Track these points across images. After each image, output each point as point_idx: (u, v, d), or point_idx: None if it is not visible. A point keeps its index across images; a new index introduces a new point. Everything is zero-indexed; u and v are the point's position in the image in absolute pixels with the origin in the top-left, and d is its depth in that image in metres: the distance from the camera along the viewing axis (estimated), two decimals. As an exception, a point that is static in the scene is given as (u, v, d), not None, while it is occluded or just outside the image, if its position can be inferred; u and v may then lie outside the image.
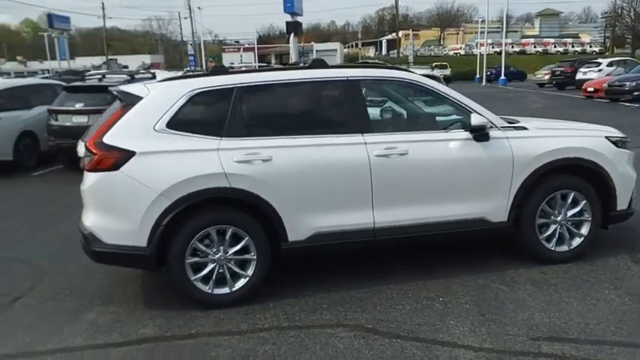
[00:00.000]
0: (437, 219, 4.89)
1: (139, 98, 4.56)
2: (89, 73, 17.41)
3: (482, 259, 5.36)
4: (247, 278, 4.60)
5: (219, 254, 4.54)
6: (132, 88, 4.73)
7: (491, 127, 4.97)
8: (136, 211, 4.34)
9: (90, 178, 4.47)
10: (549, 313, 4.25)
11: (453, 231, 4.97)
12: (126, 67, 58.97)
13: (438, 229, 4.92)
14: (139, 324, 4.38)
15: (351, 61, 72.14)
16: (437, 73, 18.13)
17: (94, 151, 4.39)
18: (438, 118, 5.33)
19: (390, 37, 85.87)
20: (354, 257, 5.46)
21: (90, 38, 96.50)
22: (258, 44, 74.34)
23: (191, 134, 4.50)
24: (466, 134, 4.90)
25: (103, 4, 65.50)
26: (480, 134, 4.88)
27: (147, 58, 79.13)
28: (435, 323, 4.18)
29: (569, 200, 5.16)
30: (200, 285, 4.54)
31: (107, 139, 4.41)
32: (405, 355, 3.75)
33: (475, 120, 4.82)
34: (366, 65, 5.37)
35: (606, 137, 5.31)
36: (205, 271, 4.53)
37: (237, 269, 4.60)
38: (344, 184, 4.68)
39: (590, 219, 5.22)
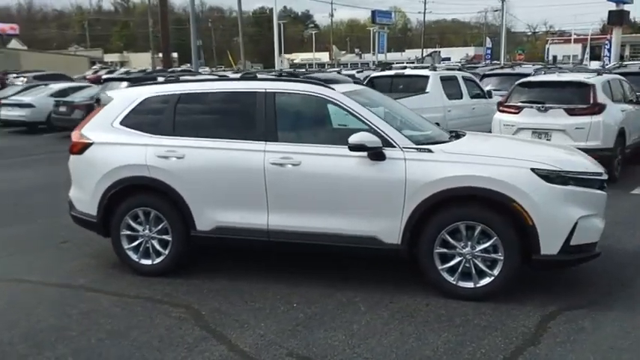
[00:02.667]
0: (328, 230, 5.01)
1: (111, 99, 5.81)
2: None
3: (400, 280, 5.23)
4: (164, 256, 5.50)
5: (146, 232, 5.53)
6: (110, 92, 6.00)
7: (392, 146, 4.84)
8: (90, 186, 5.62)
9: (70, 158, 5.90)
10: (347, 340, 4.19)
11: (345, 245, 5.02)
12: (447, 59, 60.94)
13: (330, 241, 5.04)
14: (85, 275, 5.67)
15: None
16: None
17: (72, 138, 5.81)
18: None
19: None
20: (291, 259, 5.85)
21: (427, 31, 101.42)
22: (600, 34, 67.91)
23: (135, 131, 5.57)
24: (361, 152, 4.86)
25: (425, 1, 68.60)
26: (373, 153, 4.81)
27: (471, 50, 79.95)
28: (248, 321, 4.51)
29: (476, 233, 4.67)
30: (131, 254, 5.61)
31: (83, 130, 5.78)
32: (170, 334, 4.28)
33: (352, 139, 4.78)
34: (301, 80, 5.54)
35: (533, 169, 4.58)
36: (135, 244, 5.59)
37: (158, 247, 5.53)
38: (242, 185, 5.19)
39: (502, 258, 4.62)
